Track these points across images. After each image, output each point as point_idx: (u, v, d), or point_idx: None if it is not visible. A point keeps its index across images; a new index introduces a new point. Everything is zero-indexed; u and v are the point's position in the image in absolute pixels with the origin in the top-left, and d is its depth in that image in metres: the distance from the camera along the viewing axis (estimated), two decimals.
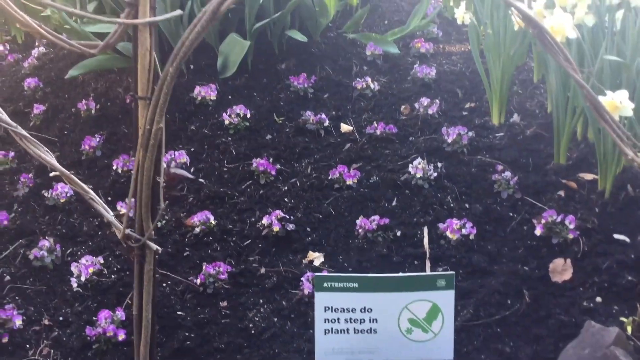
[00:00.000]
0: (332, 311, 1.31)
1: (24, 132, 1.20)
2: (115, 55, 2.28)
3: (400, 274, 1.50)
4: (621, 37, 1.65)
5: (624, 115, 1.32)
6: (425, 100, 2.14)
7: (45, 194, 1.99)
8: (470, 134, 1.96)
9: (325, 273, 1.57)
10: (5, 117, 1.22)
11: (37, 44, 3.18)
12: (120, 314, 1.51)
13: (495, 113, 2.04)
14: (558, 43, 1.17)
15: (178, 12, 1.12)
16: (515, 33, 1.88)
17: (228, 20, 2.32)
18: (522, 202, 1.71)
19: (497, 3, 1.92)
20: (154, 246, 1.14)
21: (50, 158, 1.19)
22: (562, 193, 1.72)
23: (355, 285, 1.30)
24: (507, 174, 1.77)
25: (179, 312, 1.55)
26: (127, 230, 1.15)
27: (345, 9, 2.60)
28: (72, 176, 1.17)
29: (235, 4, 1.07)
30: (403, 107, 2.19)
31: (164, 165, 1.17)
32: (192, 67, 2.36)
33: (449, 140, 1.94)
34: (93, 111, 2.32)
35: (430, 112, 2.12)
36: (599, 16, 1.67)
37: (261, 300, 1.57)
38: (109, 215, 1.16)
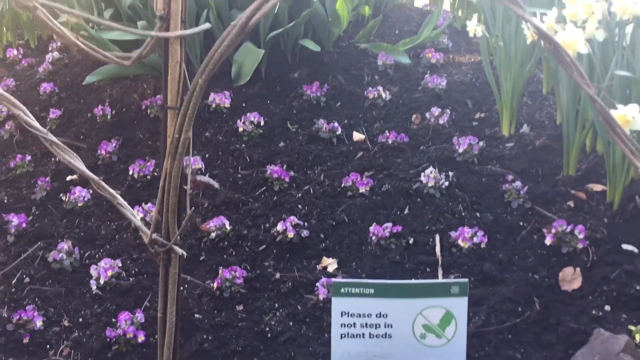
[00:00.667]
0: (348, 316, 1.35)
1: (54, 139, 1.23)
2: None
3: (416, 281, 1.54)
4: (631, 51, 1.69)
5: (634, 129, 1.36)
6: (436, 110, 2.18)
7: (63, 198, 2.03)
8: (480, 144, 2.00)
9: (339, 279, 1.61)
10: (36, 123, 1.26)
11: (50, 48, 3.23)
12: (139, 315, 1.55)
13: (506, 124, 2.08)
14: (572, 59, 1.21)
15: (206, 25, 1.16)
16: (526, 46, 1.92)
17: None
18: (532, 212, 1.75)
19: (509, 16, 1.96)
20: (180, 251, 1.18)
21: (79, 164, 1.22)
22: (571, 203, 1.75)
23: (372, 291, 1.33)
24: (517, 183, 1.81)
25: (196, 315, 1.58)
26: (154, 235, 1.19)
27: (357, 19, 2.64)
28: (101, 182, 1.21)
29: (260, 18, 1.11)
30: (414, 116, 2.23)
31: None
32: None
33: (460, 150, 1.98)
34: (109, 117, 2.36)
35: (441, 121, 2.16)
36: (609, 31, 1.71)
37: (277, 305, 1.60)
38: (136, 220, 1.19)
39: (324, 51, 2.48)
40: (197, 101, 1.15)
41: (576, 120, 1.80)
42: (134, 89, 2.45)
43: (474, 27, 1.98)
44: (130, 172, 2.07)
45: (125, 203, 1.20)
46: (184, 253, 1.18)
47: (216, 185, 1.85)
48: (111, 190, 1.21)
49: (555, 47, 1.21)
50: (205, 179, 1.86)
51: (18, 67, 3.12)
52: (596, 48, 1.70)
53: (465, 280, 1.32)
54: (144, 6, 2.34)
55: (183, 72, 1.13)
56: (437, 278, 1.60)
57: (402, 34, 2.73)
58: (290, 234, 1.76)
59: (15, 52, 3.27)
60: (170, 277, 1.21)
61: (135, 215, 1.21)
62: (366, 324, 1.34)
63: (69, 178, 2.15)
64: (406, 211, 1.83)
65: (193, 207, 1.20)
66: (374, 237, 1.73)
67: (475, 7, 2.35)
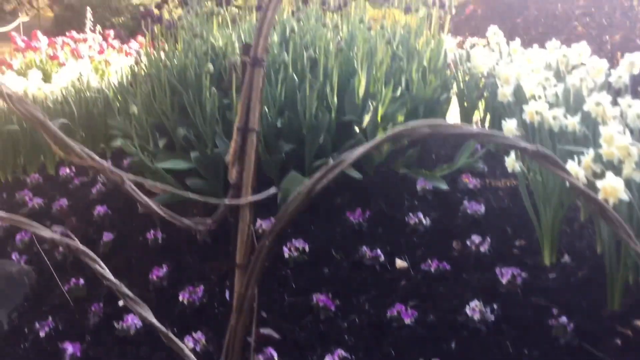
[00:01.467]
0: None
1: (126, 290, 1.32)
2: (184, 191, 2.45)
3: None
4: None
5: None
6: (476, 238, 2.24)
7: (116, 325, 2.10)
8: (523, 274, 2.03)
9: None
10: (109, 274, 1.35)
11: None
12: None
13: (547, 254, 2.12)
14: (619, 218, 1.27)
15: (273, 190, 1.27)
16: (564, 183, 2.00)
17: (289, 157, 2.50)
18: (581, 350, 1.75)
19: (545, 147, 2.05)
20: None
21: (149, 315, 1.30)
22: (618, 341, 1.76)
23: None
24: (563, 319, 1.82)
25: None
26: None
27: (396, 146, 2.77)
28: (169, 333, 1.27)
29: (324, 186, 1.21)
30: (455, 243, 2.29)
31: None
32: None
33: (504, 281, 2.01)
34: (159, 240, 2.46)
35: (482, 249, 2.21)
36: None
37: None
38: None
39: (365, 177, 2.59)
40: (264, 261, 1.23)
41: (618, 254, 1.84)
42: (184, 213, 2.55)
43: (512, 162, 2.07)
44: (181, 299, 2.14)
45: (191, 355, 1.26)
46: None
47: (277, 336, 1.91)
48: (179, 342, 1.28)
49: (601, 208, 1.28)
50: (268, 331, 1.93)
51: (71, 185, 3.29)
52: (634, 189, 1.76)
53: None
54: (196, 137, 2.50)
55: (251, 233, 1.23)
56: None
57: (438, 158, 2.84)
58: None
59: (68, 170, 3.46)
60: None
61: None
62: None
63: (121, 303, 2.23)
64: (453, 345, 1.85)
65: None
66: None
67: None
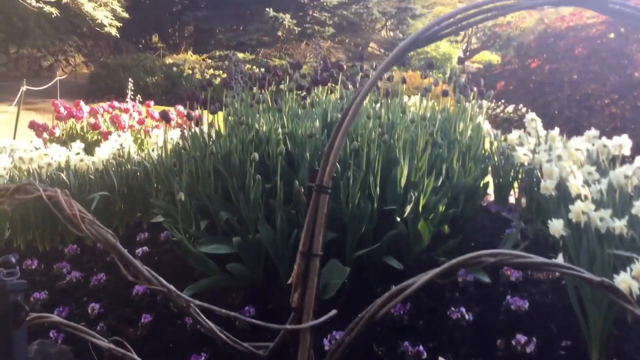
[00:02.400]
0: None
1: None
2: (225, 276, 2.47)
3: None
4: None
5: None
6: (521, 338, 2.19)
7: None
8: None
9: None
10: None
11: (139, 239, 3.44)
12: None
13: (595, 357, 2.07)
14: None
15: (333, 312, 1.27)
16: None
17: (329, 246, 2.50)
18: None
19: (593, 254, 2.03)
20: None
21: None
22: None
23: None
24: None
25: None
26: None
27: (436, 233, 2.76)
28: None
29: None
30: (499, 342, 2.25)
31: None
32: None
33: None
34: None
35: (527, 350, 2.16)
36: None
37: None
38: None
39: (405, 265, 2.58)
40: None
41: None
42: (223, 298, 2.56)
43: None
44: None
45: None
46: None
47: None
48: None
49: None
50: None
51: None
52: None
53: None
54: (239, 222, 2.52)
55: (311, 356, 1.22)
56: None
57: (478, 246, 2.82)
58: None
59: None
60: None
61: None
62: None
63: None
64: None
65: None
66: None
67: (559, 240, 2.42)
